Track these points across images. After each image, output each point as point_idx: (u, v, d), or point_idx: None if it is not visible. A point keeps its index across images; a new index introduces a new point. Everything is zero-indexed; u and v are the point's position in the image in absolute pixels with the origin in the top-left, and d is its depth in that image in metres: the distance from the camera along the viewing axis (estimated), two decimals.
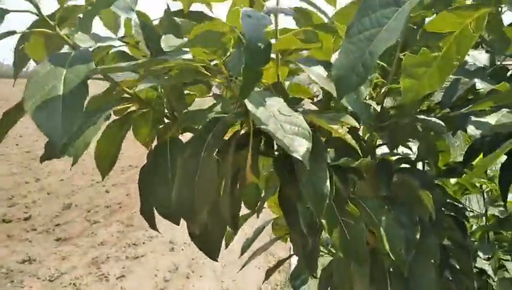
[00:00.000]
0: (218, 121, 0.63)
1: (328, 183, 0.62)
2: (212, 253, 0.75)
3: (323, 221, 0.80)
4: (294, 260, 1.67)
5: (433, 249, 0.91)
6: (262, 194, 1.42)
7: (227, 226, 0.76)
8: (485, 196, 1.80)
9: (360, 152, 0.74)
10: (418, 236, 0.86)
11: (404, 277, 0.85)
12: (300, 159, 0.48)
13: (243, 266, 1.42)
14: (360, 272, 0.86)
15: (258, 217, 1.22)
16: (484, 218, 1.73)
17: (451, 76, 1.29)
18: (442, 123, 0.87)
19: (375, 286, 0.89)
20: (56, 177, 6.04)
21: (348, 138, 0.69)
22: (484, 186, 1.73)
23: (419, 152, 1.07)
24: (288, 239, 1.64)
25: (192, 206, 0.61)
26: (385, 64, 0.95)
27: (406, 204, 0.88)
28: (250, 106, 0.52)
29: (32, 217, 4.55)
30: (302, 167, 0.62)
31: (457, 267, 1.11)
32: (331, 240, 0.82)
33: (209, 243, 0.74)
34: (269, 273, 1.45)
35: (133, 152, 6.69)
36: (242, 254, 1.46)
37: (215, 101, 0.71)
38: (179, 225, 0.73)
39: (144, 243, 3.99)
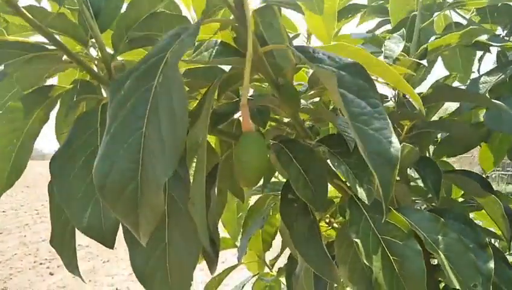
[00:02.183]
0: (185, 30, 0.34)
1: (397, 142, 0.33)
2: None
3: (357, 241, 0.50)
4: None
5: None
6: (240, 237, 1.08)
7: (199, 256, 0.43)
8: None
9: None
10: (492, 265, 0.56)
11: None
12: None
13: None
14: None
15: (240, 260, 0.88)
16: None
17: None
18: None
19: None
20: None
21: (403, 84, 0.42)
22: None
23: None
24: None
25: (134, 189, 0.30)
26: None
27: (464, 217, 0.60)
28: None
29: None
30: (356, 120, 0.33)
31: None
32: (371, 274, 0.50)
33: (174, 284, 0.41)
34: None
35: None
36: None
37: None
38: (112, 247, 0.40)
39: None
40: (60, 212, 0.46)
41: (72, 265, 0.49)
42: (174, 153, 0.29)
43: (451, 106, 1.04)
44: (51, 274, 4.76)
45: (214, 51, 0.48)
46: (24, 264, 5.10)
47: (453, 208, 0.63)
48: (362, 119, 0.34)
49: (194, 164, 0.41)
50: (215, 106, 0.52)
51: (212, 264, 0.47)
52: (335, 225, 0.79)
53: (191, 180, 0.40)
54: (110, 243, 0.40)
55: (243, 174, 0.36)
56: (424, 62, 0.59)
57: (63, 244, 0.48)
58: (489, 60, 1.11)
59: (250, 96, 0.62)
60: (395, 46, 0.59)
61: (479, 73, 1.05)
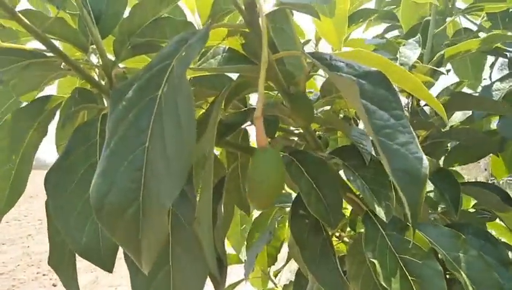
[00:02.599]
0: (192, 35, 0.31)
1: (424, 158, 0.30)
2: None
3: (375, 261, 0.47)
4: None
5: None
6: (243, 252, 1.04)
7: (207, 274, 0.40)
8: None
9: None
10: None
11: None
12: None
13: None
14: None
15: (247, 276, 0.84)
16: None
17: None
18: None
19: None
20: None
21: (425, 91, 0.39)
22: None
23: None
24: None
25: (136, 211, 0.27)
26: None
27: (484, 233, 0.56)
28: None
29: None
30: (379, 133, 0.30)
31: None
32: None
33: None
34: None
35: None
36: None
37: None
38: (111, 270, 0.37)
39: None
40: (58, 230, 0.43)
41: (71, 285, 0.46)
42: (181, 171, 0.26)
43: (458, 115, 1.01)
44: (54, 286, 4.70)
45: (222, 58, 0.45)
46: (27, 276, 5.05)
47: (471, 222, 0.60)
48: (385, 132, 0.31)
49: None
50: (221, 116, 0.49)
51: (218, 286, 0.44)
52: (345, 239, 0.76)
53: (197, 197, 0.37)
54: (108, 266, 0.36)
55: (257, 195, 0.32)
56: (443, 70, 0.56)
57: (62, 263, 0.45)
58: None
59: None
60: (411, 52, 0.56)
61: (490, 80, 1.02)
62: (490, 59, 1.05)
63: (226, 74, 0.50)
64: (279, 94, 0.58)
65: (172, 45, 0.31)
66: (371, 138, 0.50)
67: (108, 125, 0.30)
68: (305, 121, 0.44)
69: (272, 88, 0.55)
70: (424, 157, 0.30)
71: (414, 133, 0.31)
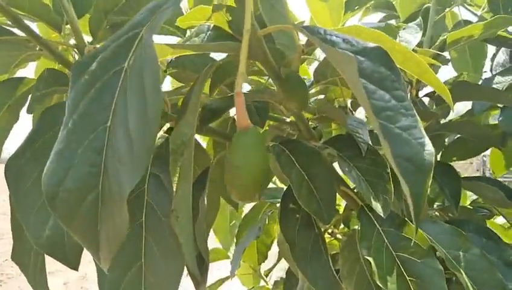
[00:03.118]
0: (165, 1, 0.27)
1: (429, 143, 0.27)
2: None
3: (370, 259, 0.43)
4: None
5: None
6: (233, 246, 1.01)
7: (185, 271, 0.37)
8: None
9: None
10: None
11: None
12: None
13: None
14: None
15: (233, 273, 0.80)
16: None
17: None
18: None
19: None
20: None
21: (430, 74, 0.35)
22: None
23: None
24: None
25: (94, 200, 0.23)
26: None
27: (486, 230, 0.53)
28: None
29: None
30: (379, 116, 0.27)
31: None
32: None
33: None
34: None
35: None
36: None
37: None
38: (76, 268, 0.33)
39: None
40: (18, 223, 0.38)
41: (38, 283, 0.42)
42: (144, 154, 0.22)
43: (457, 108, 0.98)
44: None
45: (206, 37, 0.41)
46: (15, 270, 4.97)
47: (472, 219, 0.57)
48: (386, 115, 0.27)
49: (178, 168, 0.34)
50: (207, 101, 0.45)
51: (199, 286, 0.40)
52: (338, 235, 0.72)
53: (175, 188, 0.33)
54: (73, 264, 0.33)
55: (236, 184, 0.28)
56: (446, 54, 0.53)
57: (27, 259, 0.41)
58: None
59: (248, 91, 0.55)
60: (411, 36, 0.52)
61: (491, 72, 0.98)
62: (490, 52, 1.02)
63: (211, 55, 0.46)
64: (269, 80, 0.54)
65: (143, 13, 0.27)
66: (369, 126, 0.47)
67: (68, 102, 0.26)
68: (298, 105, 0.40)
69: (262, 73, 0.52)
70: (429, 143, 0.26)
71: (418, 117, 0.28)
